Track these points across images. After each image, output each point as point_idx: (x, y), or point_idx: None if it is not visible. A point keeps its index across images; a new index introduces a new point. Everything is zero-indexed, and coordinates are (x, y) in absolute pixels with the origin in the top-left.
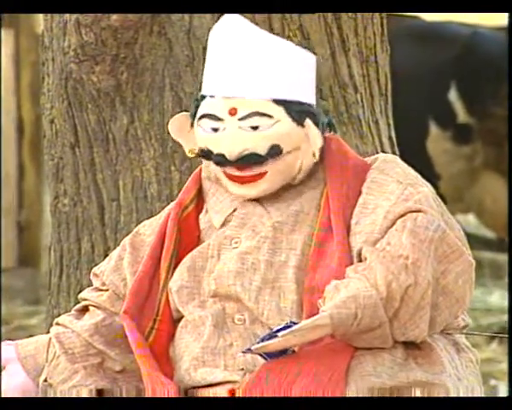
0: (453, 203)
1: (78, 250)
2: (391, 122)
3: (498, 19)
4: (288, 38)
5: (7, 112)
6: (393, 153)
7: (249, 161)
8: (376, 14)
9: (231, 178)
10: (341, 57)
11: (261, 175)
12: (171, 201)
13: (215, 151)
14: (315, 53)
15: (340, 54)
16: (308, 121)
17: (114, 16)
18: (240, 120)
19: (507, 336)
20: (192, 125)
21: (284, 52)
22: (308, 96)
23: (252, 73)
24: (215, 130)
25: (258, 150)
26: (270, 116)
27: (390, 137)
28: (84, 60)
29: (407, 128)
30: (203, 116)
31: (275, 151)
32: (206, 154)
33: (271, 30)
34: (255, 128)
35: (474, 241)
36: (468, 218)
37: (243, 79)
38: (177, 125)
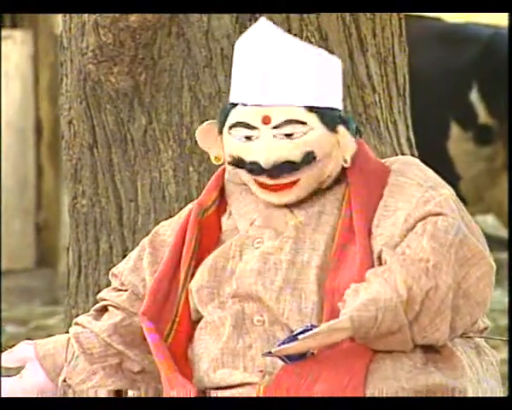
0: (473, 204)
1: (97, 251)
2: (409, 123)
3: None
4: (306, 38)
5: (25, 113)
6: (412, 154)
7: (284, 169)
8: (394, 15)
9: (263, 186)
10: (359, 58)
11: (294, 183)
12: (190, 201)
13: (248, 159)
14: (333, 54)
15: (359, 54)
16: (341, 128)
17: (133, 17)
18: (274, 128)
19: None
20: (220, 132)
21: (314, 59)
22: (338, 103)
23: (284, 80)
24: (248, 138)
25: (292, 158)
26: (303, 123)
27: (408, 138)
28: (102, 61)
29: (428, 129)
30: (235, 124)
31: (309, 158)
32: (238, 162)
33: (289, 30)
34: (289, 136)
35: (493, 242)
36: (486, 219)
37: (275, 86)
38: (204, 134)
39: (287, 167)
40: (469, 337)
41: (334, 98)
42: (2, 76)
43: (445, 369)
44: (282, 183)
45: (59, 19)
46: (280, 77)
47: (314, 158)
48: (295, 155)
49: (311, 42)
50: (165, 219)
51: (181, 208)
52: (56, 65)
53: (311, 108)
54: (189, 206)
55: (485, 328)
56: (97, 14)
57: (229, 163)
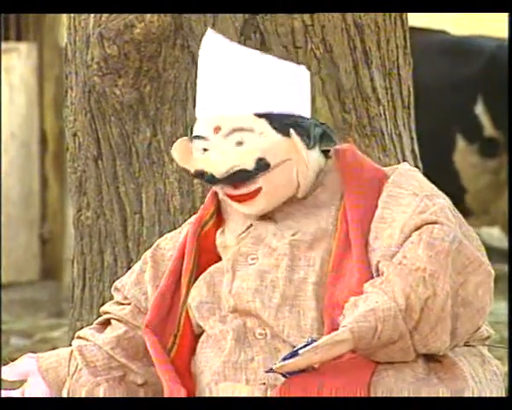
0: (479, 217)
1: (101, 263)
2: (414, 135)
3: None
4: (311, 51)
5: (30, 125)
6: (416, 166)
7: (238, 178)
8: (399, 28)
9: (230, 197)
10: (364, 70)
11: (256, 192)
12: (194, 213)
13: (205, 171)
14: (337, 66)
15: (363, 67)
16: (292, 132)
17: (137, 29)
18: (224, 137)
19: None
20: None
21: (263, 66)
22: (295, 108)
23: (231, 89)
24: (205, 149)
25: (245, 166)
26: (252, 130)
27: (413, 151)
28: (107, 73)
29: (434, 141)
30: (194, 138)
31: (262, 165)
32: (199, 175)
33: (294, 43)
34: (240, 144)
35: (499, 254)
36: (492, 231)
37: (224, 96)
38: (180, 152)
39: (241, 176)
40: (473, 346)
41: (287, 103)
42: (8, 88)
43: (447, 380)
44: (243, 193)
45: (63, 31)
46: (228, 86)
47: (268, 165)
48: (247, 163)
49: (315, 54)
50: (170, 231)
51: (185, 220)
52: (61, 77)
53: (260, 115)
54: (190, 219)
55: (489, 337)
56: (102, 27)
57: (194, 177)
